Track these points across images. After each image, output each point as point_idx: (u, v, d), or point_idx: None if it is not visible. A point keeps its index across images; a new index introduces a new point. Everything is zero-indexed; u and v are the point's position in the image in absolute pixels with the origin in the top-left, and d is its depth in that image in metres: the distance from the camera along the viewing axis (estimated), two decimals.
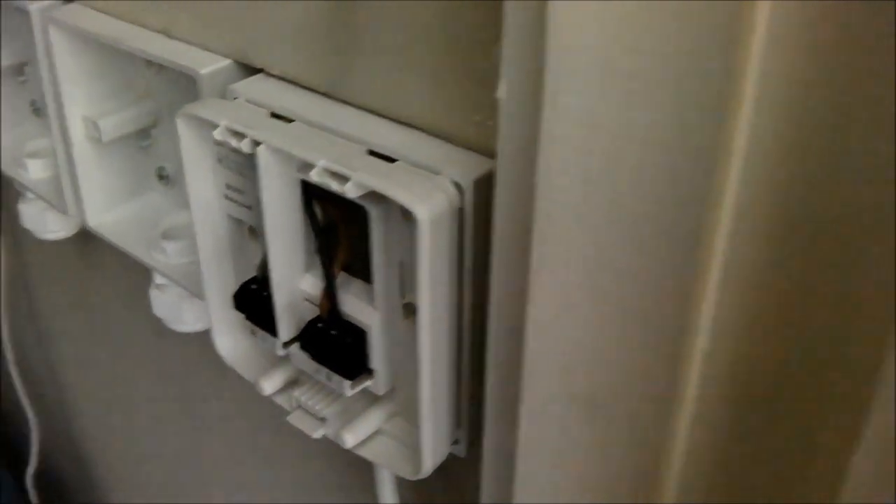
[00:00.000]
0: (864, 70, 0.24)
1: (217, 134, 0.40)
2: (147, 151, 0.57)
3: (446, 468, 0.43)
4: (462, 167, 0.36)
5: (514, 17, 0.29)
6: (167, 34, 0.48)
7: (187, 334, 0.58)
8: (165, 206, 0.58)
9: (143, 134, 0.56)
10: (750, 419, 0.31)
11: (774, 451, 0.30)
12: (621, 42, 0.26)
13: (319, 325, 0.42)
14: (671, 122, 0.26)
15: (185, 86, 0.47)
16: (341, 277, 0.42)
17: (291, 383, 0.47)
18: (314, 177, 0.37)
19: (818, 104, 0.25)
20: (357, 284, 0.42)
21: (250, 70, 0.45)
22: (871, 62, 0.23)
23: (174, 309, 0.57)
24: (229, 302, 0.45)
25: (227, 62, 0.45)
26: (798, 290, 0.28)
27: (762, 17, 0.24)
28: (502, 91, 0.30)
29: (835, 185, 0.25)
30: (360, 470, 0.54)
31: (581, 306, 0.31)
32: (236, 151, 0.40)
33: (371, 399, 0.44)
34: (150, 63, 0.51)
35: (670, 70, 0.25)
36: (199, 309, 0.56)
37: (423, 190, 0.35)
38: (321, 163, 0.37)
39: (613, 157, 0.27)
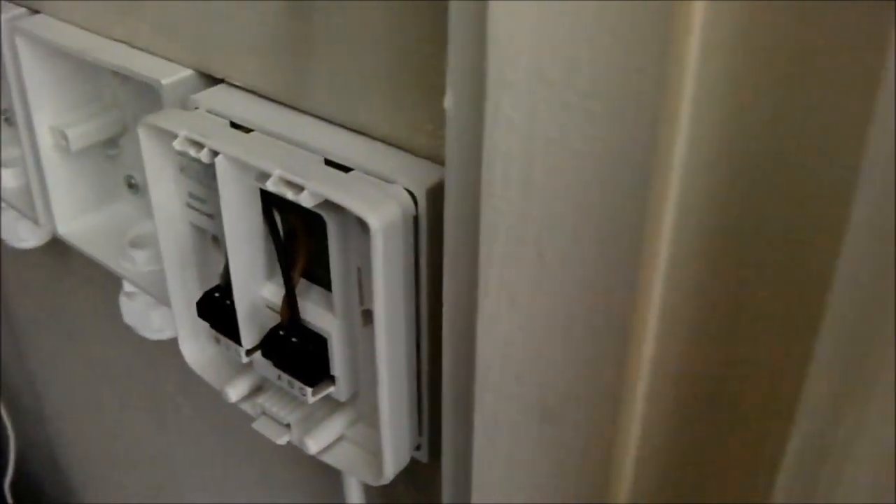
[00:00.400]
0: (798, 73, 0.24)
1: (177, 144, 0.40)
2: (115, 160, 0.58)
3: (411, 473, 0.44)
4: (416, 176, 0.37)
5: (456, 30, 0.29)
6: (131, 44, 0.49)
7: (158, 341, 0.59)
8: (134, 214, 0.58)
9: (111, 143, 0.57)
10: (696, 422, 0.31)
11: (721, 452, 0.31)
12: (556, 54, 0.26)
13: (281, 332, 0.42)
14: (606, 132, 0.26)
15: (150, 96, 0.47)
16: (302, 285, 0.43)
17: (256, 390, 0.47)
18: (270, 186, 0.37)
19: (755, 108, 0.25)
20: (317, 292, 0.43)
21: (212, 80, 0.46)
22: (807, 65, 0.24)
23: (143, 316, 0.57)
24: (194, 310, 0.46)
25: (188, 72, 0.46)
26: (738, 295, 0.28)
27: (696, 25, 0.25)
28: (448, 101, 0.30)
29: (772, 190, 0.26)
30: (328, 472, 0.55)
31: (528, 313, 0.31)
32: (197, 161, 0.40)
33: (334, 405, 0.45)
34: (116, 73, 0.52)
35: (603, 81, 0.26)
36: (168, 316, 0.57)
37: (376, 199, 0.35)
38: (277, 172, 0.37)
39: (552, 167, 0.28)
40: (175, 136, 0.40)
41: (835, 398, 0.26)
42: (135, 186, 0.57)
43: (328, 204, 0.37)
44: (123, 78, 0.52)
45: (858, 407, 0.25)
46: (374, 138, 0.39)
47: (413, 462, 0.43)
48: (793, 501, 0.28)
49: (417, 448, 0.43)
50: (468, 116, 0.30)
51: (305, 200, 0.36)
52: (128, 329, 0.59)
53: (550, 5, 0.26)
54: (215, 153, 0.39)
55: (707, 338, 0.29)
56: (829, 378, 0.26)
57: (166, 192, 0.44)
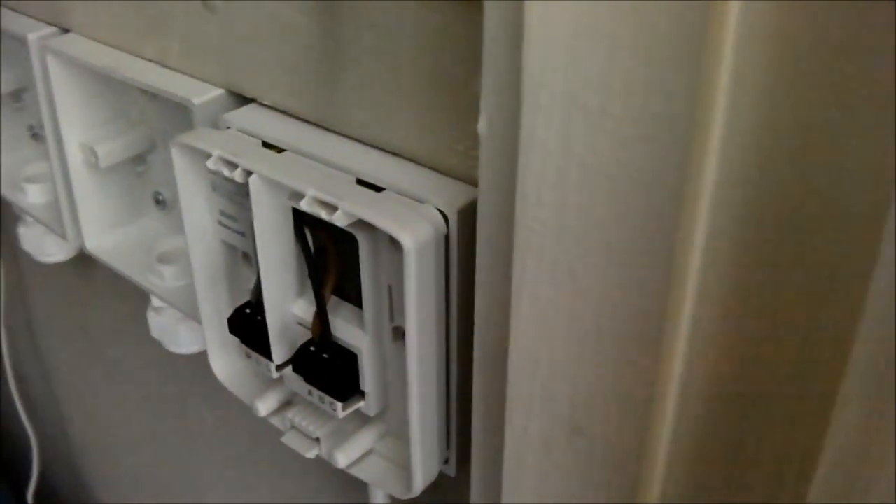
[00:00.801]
0: (832, 99, 0.25)
1: (210, 164, 0.41)
2: (143, 177, 0.58)
3: (437, 486, 0.44)
4: (447, 196, 0.37)
5: (490, 55, 0.30)
6: (161, 63, 0.50)
7: (184, 355, 0.59)
8: (161, 230, 0.59)
9: (139, 159, 0.57)
10: (725, 437, 0.32)
11: (750, 467, 0.32)
12: (590, 80, 0.27)
13: (312, 348, 0.43)
14: (638, 157, 0.27)
15: (179, 113, 0.48)
16: (333, 302, 0.44)
17: (286, 404, 0.48)
18: (304, 206, 0.38)
19: (786, 132, 0.26)
20: (348, 308, 0.43)
21: (243, 99, 0.46)
22: (837, 75, 0.24)
23: (171, 331, 0.58)
24: (224, 325, 0.46)
25: (219, 92, 0.47)
26: (767, 314, 0.29)
27: (727, 51, 0.25)
28: (482, 125, 0.31)
29: (803, 212, 0.27)
30: (355, 487, 0.55)
31: (560, 332, 0.32)
32: (230, 180, 0.41)
33: (363, 420, 0.45)
34: (144, 90, 0.53)
35: (636, 107, 0.27)
36: (196, 331, 0.57)
37: (408, 218, 0.36)
38: (311, 192, 0.38)
39: (586, 190, 0.29)
40: (208, 156, 0.41)
41: (869, 404, 0.26)
42: (162, 202, 0.58)
43: (360, 223, 0.37)
44: (152, 95, 0.53)
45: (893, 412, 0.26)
46: (405, 158, 0.40)
47: (441, 475, 0.44)
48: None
49: (445, 462, 0.44)
50: (502, 140, 0.31)
51: (339, 220, 0.37)
52: (154, 343, 0.60)
53: (585, 31, 0.26)
54: (249, 172, 0.40)
55: (736, 355, 0.30)
56: (862, 391, 0.26)
57: (198, 210, 0.45)
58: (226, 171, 0.41)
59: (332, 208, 0.37)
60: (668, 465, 0.33)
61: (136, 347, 0.72)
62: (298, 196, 0.38)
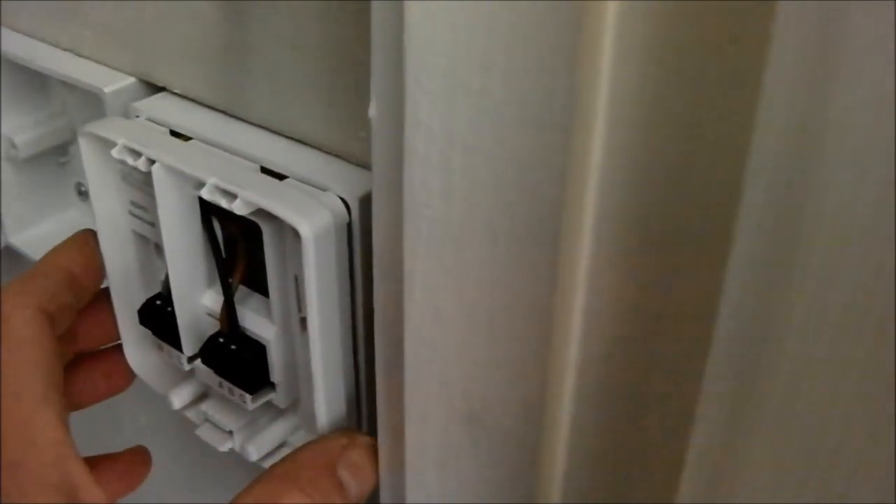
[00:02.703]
0: (714, 77, 0.24)
1: (115, 152, 0.40)
2: (66, 168, 0.58)
3: None
4: (349, 183, 0.37)
5: (377, 38, 0.29)
6: (76, 53, 0.49)
7: None
8: (85, 221, 0.58)
9: (61, 150, 0.57)
10: (622, 423, 0.31)
11: (647, 453, 0.31)
12: (471, 61, 0.27)
13: (220, 339, 0.42)
14: (521, 138, 0.27)
15: (96, 104, 0.47)
16: (243, 292, 0.43)
17: (201, 397, 0.48)
18: (205, 194, 0.37)
19: (666, 109, 0.26)
20: (257, 299, 0.43)
21: (155, 88, 0.46)
22: (720, 68, 0.24)
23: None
24: (137, 317, 0.46)
25: (131, 80, 0.46)
26: (657, 296, 0.28)
27: (609, 27, 0.25)
28: (373, 109, 0.31)
29: (682, 190, 0.26)
30: None
31: (452, 320, 0.31)
32: (137, 169, 0.40)
33: (276, 412, 0.45)
34: (64, 81, 0.52)
35: (517, 87, 0.26)
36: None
37: (308, 206, 0.36)
38: (212, 181, 0.37)
39: (470, 173, 0.28)
40: (114, 145, 0.40)
41: (730, 401, 0.26)
42: (85, 193, 0.57)
43: (263, 212, 0.37)
44: (72, 86, 0.52)
45: (753, 411, 0.26)
46: (310, 146, 0.40)
47: None
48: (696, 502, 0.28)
49: None
50: (391, 124, 0.30)
51: (239, 208, 0.36)
52: None
53: (464, 12, 0.26)
54: (152, 162, 0.39)
55: (629, 339, 0.30)
56: (722, 381, 0.26)
57: (108, 200, 0.44)
58: (130, 161, 0.40)
59: (233, 196, 0.37)
60: (569, 453, 0.33)
61: None
62: (201, 184, 0.38)
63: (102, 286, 0.46)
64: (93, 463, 0.45)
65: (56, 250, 0.44)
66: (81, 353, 0.47)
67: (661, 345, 0.29)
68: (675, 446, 0.30)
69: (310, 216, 0.35)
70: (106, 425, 0.74)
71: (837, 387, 0.25)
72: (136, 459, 0.49)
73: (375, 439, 0.38)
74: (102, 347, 0.48)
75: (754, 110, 0.23)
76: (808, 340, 0.24)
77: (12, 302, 0.40)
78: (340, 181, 0.37)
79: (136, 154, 0.40)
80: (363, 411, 0.41)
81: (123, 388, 0.49)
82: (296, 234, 0.36)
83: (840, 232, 0.23)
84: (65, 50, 0.50)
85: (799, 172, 0.23)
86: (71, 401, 0.46)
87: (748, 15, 0.23)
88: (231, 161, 0.39)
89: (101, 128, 0.41)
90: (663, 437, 0.31)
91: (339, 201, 0.36)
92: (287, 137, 0.40)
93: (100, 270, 0.44)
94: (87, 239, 0.44)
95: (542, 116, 0.26)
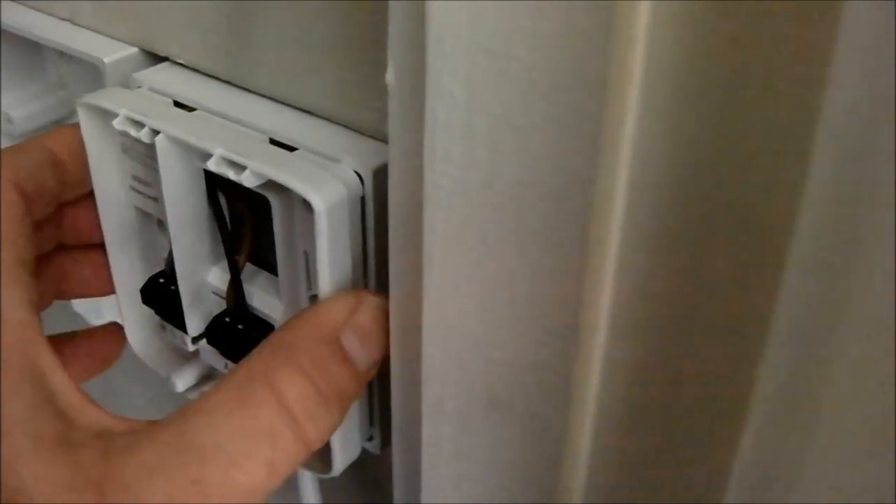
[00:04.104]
0: (751, 63, 0.23)
1: (116, 123, 0.39)
2: None
3: (362, 464, 0.42)
4: (362, 155, 0.35)
5: (396, 3, 0.28)
6: (74, 22, 0.47)
7: None
8: None
9: (59, 124, 0.55)
10: (651, 414, 0.30)
11: (675, 448, 0.30)
12: (496, 25, 0.25)
13: (227, 319, 0.41)
14: (550, 106, 0.25)
15: (95, 75, 0.46)
16: (250, 270, 0.41)
17: (205, 378, 0.46)
18: (212, 166, 0.36)
19: (709, 76, 0.24)
20: (264, 277, 0.41)
21: (156, 58, 0.44)
22: (759, 54, 0.23)
23: (93, 303, 0.56)
24: (139, 296, 0.44)
25: (132, 50, 0.44)
26: (692, 284, 0.27)
27: None
28: (390, 75, 0.29)
29: (725, 181, 0.25)
30: None
31: (472, 300, 0.30)
32: (140, 142, 0.39)
33: None
34: (61, 52, 0.50)
35: (546, 49, 0.24)
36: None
37: (320, 178, 0.34)
38: (218, 151, 0.35)
39: (495, 143, 0.27)
40: (115, 116, 0.39)
41: (785, 402, 0.24)
42: None
43: (272, 185, 0.35)
44: (69, 57, 0.51)
45: (811, 409, 0.24)
46: (320, 117, 0.38)
47: (365, 453, 0.42)
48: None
49: (370, 439, 0.42)
50: (410, 91, 0.29)
51: (248, 180, 0.35)
52: (76, 317, 0.57)
53: None
54: (156, 133, 0.37)
55: (661, 314, 0.28)
56: (778, 381, 0.24)
57: (108, 174, 0.42)
58: (132, 132, 0.38)
59: (241, 168, 0.35)
60: (594, 441, 0.31)
61: (58, 320, 0.69)
62: (207, 156, 0.36)
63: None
64: (60, 342, 0.43)
65: (42, 134, 0.41)
66: (64, 246, 0.44)
67: (693, 330, 0.28)
68: (708, 440, 0.29)
69: (323, 188, 0.33)
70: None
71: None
72: (108, 337, 0.46)
73: (385, 297, 0.34)
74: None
75: (818, 91, 0.21)
76: (870, 339, 0.23)
77: None
78: (353, 153, 0.35)
79: (139, 125, 0.38)
80: (374, 390, 0.40)
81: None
82: (306, 207, 0.34)
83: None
84: (62, 20, 0.48)
85: (867, 152, 0.21)
86: (54, 289, 0.44)
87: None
88: (238, 132, 0.38)
89: (102, 98, 0.40)
90: (695, 430, 0.29)
91: (353, 173, 0.35)
92: (296, 108, 0.39)
93: (86, 166, 0.41)
94: (75, 131, 0.41)
95: (572, 82, 0.25)
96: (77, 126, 0.40)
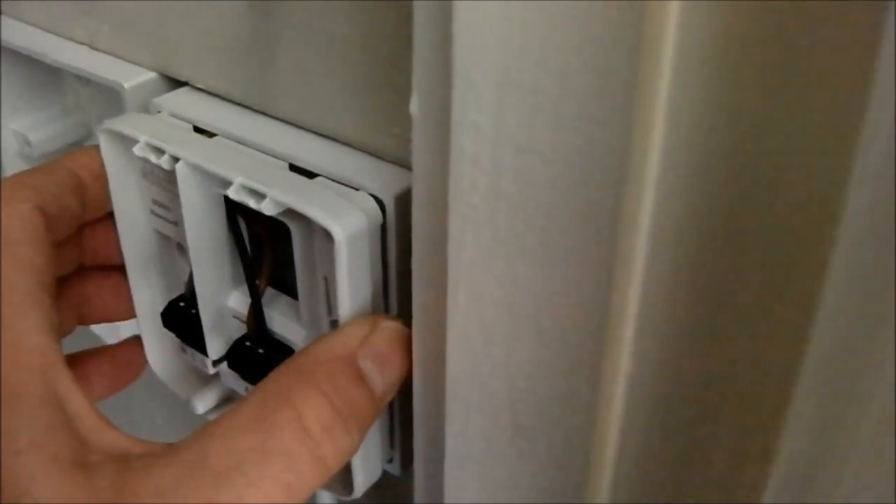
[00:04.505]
0: (780, 77, 0.23)
1: (137, 150, 0.39)
2: None
3: (382, 486, 0.42)
4: (383, 182, 0.35)
5: (420, 30, 0.28)
6: (93, 46, 0.47)
7: None
8: None
9: (76, 147, 0.55)
10: (675, 436, 0.30)
11: (702, 468, 0.30)
12: (524, 54, 0.25)
13: (247, 343, 0.41)
14: (576, 138, 0.25)
15: (113, 99, 0.46)
16: (270, 294, 0.42)
17: (226, 401, 0.46)
18: (232, 194, 0.36)
19: (734, 109, 0.24)
20: (285, 301, 0.41)
21: (176, 83, 0.44)
22: (789, 68, 0.23)
23: (111, 325, 0.56)
24: (160, 319, 0.44)
25: (151, 75, 0.44)
26: (716, 305, 0.27)
27: (671, 25, 0.23)
28: (414, 105, 0.29)
29: (752, 195, 0.25)
30: None
31: (499, 326, 0.30)
32: (160, 167, 0.39)
33: None
34: (78, 76, 0.50)
35: (573, 83, 0.25)
36: (136, 325, 0.55)
37: (340, 207, 0.34)
38: (238, 179, 0.36)
39: (521, 174, 0.27)
40: (136, 142, 0.39)
41: (825, 411, 0.25)
42: None
43: (292, 212, 0.35)
44: (86, 80, 0.51)
45: (852, 419, 0.24)
46: (341, 142, 0.38)
47: (385, 475, 0.42)
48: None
49: (389, 461, 0.42)
50: (435, 121, 0.29)
51: (267, 209, 0.35)
52: (95, 339, 0.57)
53: (518, 2, 0.25)
54: (176, 159, 0.38)
55: (685, 350, 0.28)
56: (819, 392, 0.24)
57: (129, 198, 0.43)
58: (153, 158, 0.38)
59: (261, 196, 0.35)
60: (617, 467, 0.31)
61: (75, 344, 0.69)
62: (227, 184, 0.36)
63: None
64: (82, 359, 0.43)
65: (64, 156, 0.41)
66: (85, 269, 0.44)
67: (718, 354, 0.28)
68: (732, 457, 0.29)
69: (342, 217, 0.34)
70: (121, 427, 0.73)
71: None
72: (130, 354, 0.46)
73: (403, 321, 0.35)
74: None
75: (854, 111, 0.21)
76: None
77: (9, 195, 0.37)
78: (374, 179, 0.36)
79: (160, 152, 0.38)
80: (396, 420, 0.40)
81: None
82: (326, 234, 0.34)
83: None
84: (80, 44, 0.48)
85: None
86: (76, 313, 0.44)
87: (829, 10, 0.21)
88: (258, 159, 0.38)
89: (122, 124, 0.40)
90: (719, 448, 0.29)
91: (373, 201, 0.35)
92: (316, 134, 0.39)
93: (107, 187, 0.41)
94: (96, 152, 0.41)
95: (599, 116, 0.25)
96: (97, 147, 0.41)
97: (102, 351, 0.46)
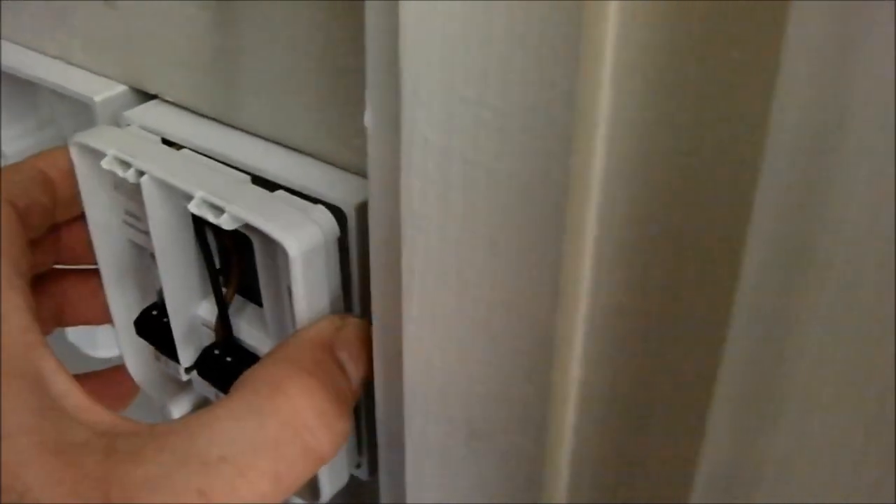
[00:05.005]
0: (719, 81, 0.24)
1: (105, 163, 0.39)
2: None
3: (351, 491, 0.43)
4: (345, 192, 0.36)
5: (371, 44, 0.29)
6: (65, 60, 0.48)
7: (103, 359, 0.58)
8: None
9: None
10: (628, 436, 0.31)
11: (655, 468, 0.31)
12: (468, 70, 0.26)
13: (216, 351, 0.41)
14: (520, 150, 0.26)
15: (86, 112, 0.47)
16: (239, 302, 0.42)
17: (201, 405, 0.47)
18: (193, 208, 0.36)
19: (672, 116, 0.25)
20: (252, 310, 0.42)
21: (147, 96, 0.45)
22: (726, 71, 0.23)
23: (87, 335, 0.57)
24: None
25: (122, 88, 0.45)
26: (663, 305, 0.28)
27: (610, 36, 0.24)
28: (368, 118, 0.30)
29: (690, 199, 0.25)
30: None
31: (452, 335, 0.31)
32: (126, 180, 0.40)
33: None
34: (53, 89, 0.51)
35: (515, 97, 0.25)
36: (113, 334, 0.56)
37: (296, 223, 0.35)
38: (199, 194, 0.36)
39: (469, 186, 0.27)
40: (104, 155, 0.40)
41: (744, 406, 0.25)
42: None
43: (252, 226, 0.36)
44: (61, 95, 0.51)
45: (768, 417, 0.25)
46: (305, 153, 0.39)
47: (354, 480, 0.43)
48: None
49: (358, 466, 0.43)
50: (387, 134, 0.29)
51: (226, 223, 0.36)
52: (72, 347, 0.58)
53: (460, 18, 0.25)
54: (142, 173, 0.38)
55: (633, 351, 0.29)
56: (734, 386, 0.25)
57: (102, 210, 0.43)
58: (120, 172, 0.39)
59: (220, 211, 0.36)
60: (573, 469, 0.32)
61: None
62: (190, 197, 0.37)
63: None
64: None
65: (32, 155, 0.42)
66: (63, 271, 0.45)
67: (667, 356, 0.28)
68: (683, 456, 0.30)
69: (298, 233, 0.34)
70: None
71: (859, 390, 0.24)
72: (123, 378, 0.47)
73: (366, 319, 0.35)
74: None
75: (765, 112, 0.22)
76: (826, 344, 0.24)
77: None
78: (336, 189, 0.36)
79: (126, 165, 0.39)
80: (362, 415, 0.41)
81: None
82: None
83: (859, 233, 0.22)
84: (54, 58, 0.49)
85: (815, 171, 0.22)
86: (54, 314, 0.45)
87: (754, 14, 0.22)
88: (221, 172, 0.39)
89: (91, 138, 0.41)
90: (670, 448, 0.30)
91: (330, 215, 0.36)
92: (281, 145, 0.39)
93: (77, 185, 0.42)
94: (64, 152, 0.41)
95: (542, 126, 0.26)
96: (66, 147, 0.41)
97: (89, 377, 0.47)
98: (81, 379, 0.44)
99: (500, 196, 0.27)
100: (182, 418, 0.32)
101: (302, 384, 0.33)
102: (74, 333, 0.57)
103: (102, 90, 0.45)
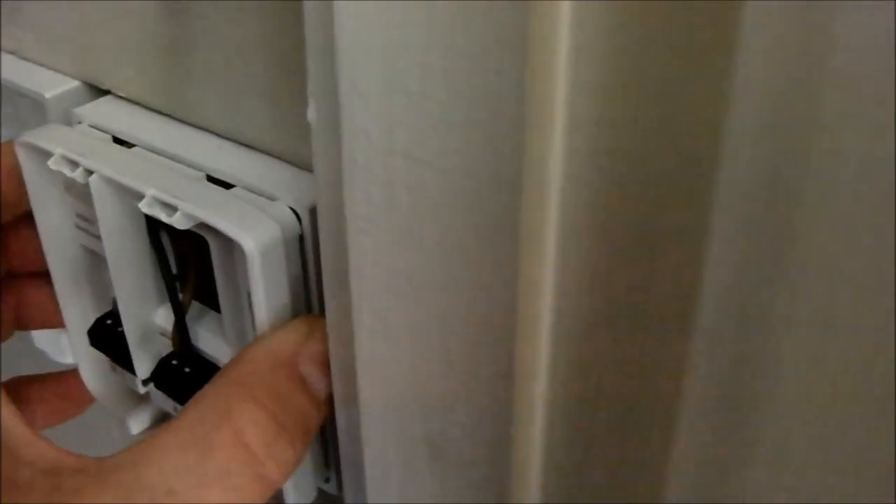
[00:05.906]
0: (678, 72, 0.21)
1: (52, 163, 0.37)
2: None
3: None
4: (300, 192, 0.34)
5: (311, 37, 0.26)
6: (18, 55, 0.46)
7: (72, 365, 0.56)
8: None
9: None
10: (597, 446, 0.28)
11: (626, 478, 0.28)
12: (409, 60, 0.24)
13: (173, 362, 0.39)
14: (468, 145, 0.24)
15: (39, 109, 0.44)
16: (197, 308, 0.40)
17: (162, 418, 0.45)
18: (144, 207, 0.34)
19: (631, 106, 0.22)
20: (211, 316, 0.40)
21: (100, 91, 0.43)
22: (684, 63, 0.21)
23: (54, 341, 0.55)
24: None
25: (75, 84, 0.43)
26: (626, 306, 0.25)
27: (563, 23, 0.22)
28: (311, 113, 0.28)
29: (655, 192, 0.23)
30: None
31: (405, 344, 0.28)
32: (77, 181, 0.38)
33: None
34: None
35: (460, 88, 0.23)
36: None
37: (253, 219, 0.33)
38: (150, 192, 0.34)
39: (415, 186, 0.25)
40: (51, 155, 0.37)
41: (715, 405, 0.23)
42: None
43: (208, 225, 0.34)
44: (19, 91, 0.49)
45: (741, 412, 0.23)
46: (260, 151, 0.36)
47: (322, 494, 0.40)
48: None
49: (327, 480, 0.40)
50: (330, 130, 0.27)
51: (179, 222, 0.33)
52: (40, 353, 0.56)
53: (398, 6, 0.23)
54: (90, 172, 0.36)
55: (600, 353, 0.27)
56: (704, 379, 0.23)
57: (52, 213, 0.41)
58: (67, 171, 0.37)
59: (173, 209, 0.34)
60: (544, 483, 0.30)
61: (21, 358, 0.68)
62: (141, 196, 0.35)
63: None
64: (21, 386, 0.43)
65: None
66: (20, 274, 0.43)
67: (635, 357, 0.26)
68: (655, 459, 0.27)
69: (255, 230, 0.32)
70: (76, 441, 0.71)
71: (834, 385, 0.22)
72: (73, 383, 0.45)
73: None
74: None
75: (725, 106, 0.20)
76: (798, 337, 0.22)
77: None
78: (290, 189, 0.34)
79: (74, 164, 0.37)
80: (329, 436, 0.38)
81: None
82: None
83: (827, 229, 0.20)
84: (7, 53, 0.46)
85: (778, 167, 0.20)
86: (13, 317, 0.44)
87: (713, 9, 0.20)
88: (174, 170, 0.36)
89: (38, 137, 0.38)
90: (641, 451, 0.28)
91: (290, 211, 0.33)
92: (235, 142, 0.37)
93: (23, 184, 0.39)
94: (8, 149, 0.39)
95: (489, 120, 0.23)
96: (10, 143, 0.39)
97: (46, 378, 0.45)
98: (42, 381, 0.42)
99: (448, 195, 0.25)
100: (128, 449, 0.30)
101: (249, 415, 0.31)
102: (41, 339, 0.55)
103: (55, 86, 0.43)
